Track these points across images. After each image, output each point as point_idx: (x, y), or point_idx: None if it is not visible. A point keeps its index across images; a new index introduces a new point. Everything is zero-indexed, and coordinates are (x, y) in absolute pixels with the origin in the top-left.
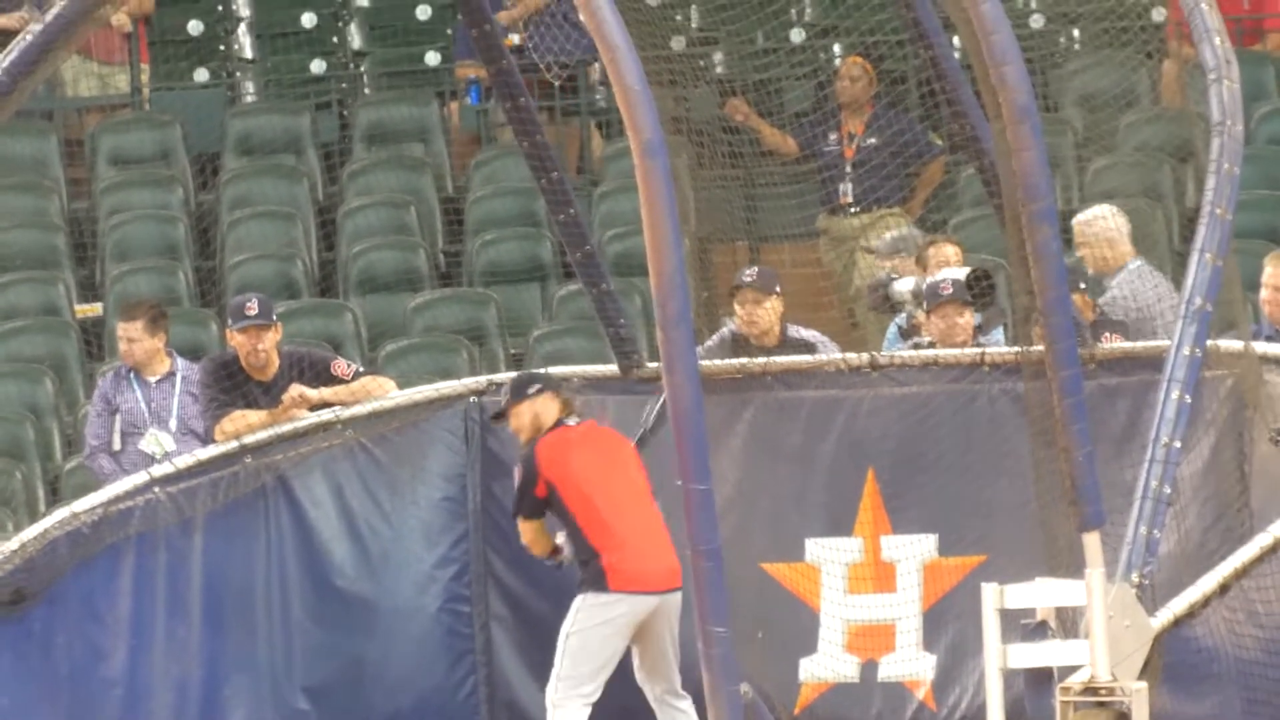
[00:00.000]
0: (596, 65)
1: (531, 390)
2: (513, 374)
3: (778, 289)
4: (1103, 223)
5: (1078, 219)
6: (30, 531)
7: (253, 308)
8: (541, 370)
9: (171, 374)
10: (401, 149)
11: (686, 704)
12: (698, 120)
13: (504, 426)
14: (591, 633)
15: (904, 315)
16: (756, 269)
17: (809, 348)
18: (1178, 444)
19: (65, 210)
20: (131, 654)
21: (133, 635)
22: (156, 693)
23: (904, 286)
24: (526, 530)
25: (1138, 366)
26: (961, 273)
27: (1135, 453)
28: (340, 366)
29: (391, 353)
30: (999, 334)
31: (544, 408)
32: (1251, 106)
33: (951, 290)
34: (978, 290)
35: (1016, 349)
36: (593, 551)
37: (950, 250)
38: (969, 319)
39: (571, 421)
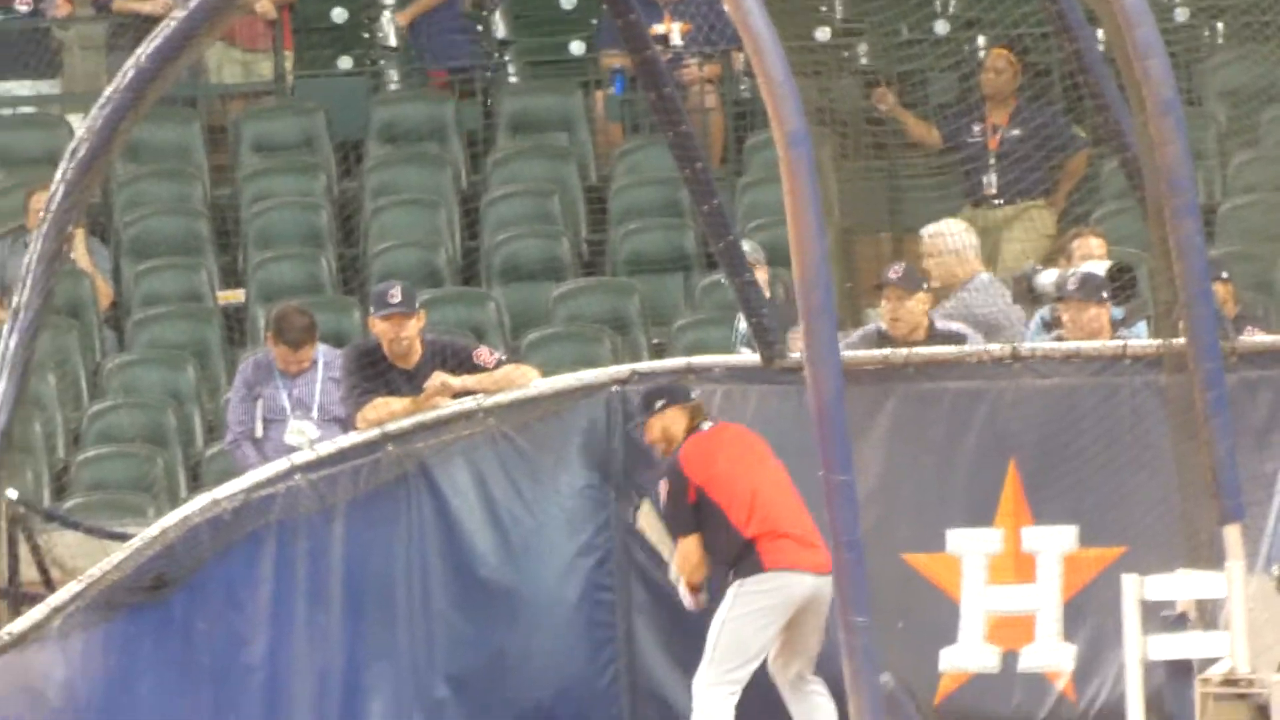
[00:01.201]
0: (740, 55)
1: (658, 405)
2: (653, 367)
3: (925, 285)
4: (951, 238)
5: (925, 231)
6: (171, 518)
7: (396, 295)
8: (667, 383)
9: (314, 362)
10: (545, 138)
11: (819, 685)
12: (842, 111)
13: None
14: (748, 619)
15: (1048, 307)
16: (903, 266)
17: (958, 339)
18: None
19: (208, 197)
20: (272, 641)
21: (273, 623)
22: (297, 680)
23: (1047, 279)
24: (689, 549)
25: (1279, 360)
26: (1098, 267)
27: (1276, 446)
28: (483, 355)
29: (534, 341)
30: (1142, 328)
31: (672, 420)
32: None
33: (1075, 286)
34: (1120, 284)
35: (1158, 342)
36: (746, 542)
37: (1094, 242)
38: (1098, 314)
39: (705, 426)
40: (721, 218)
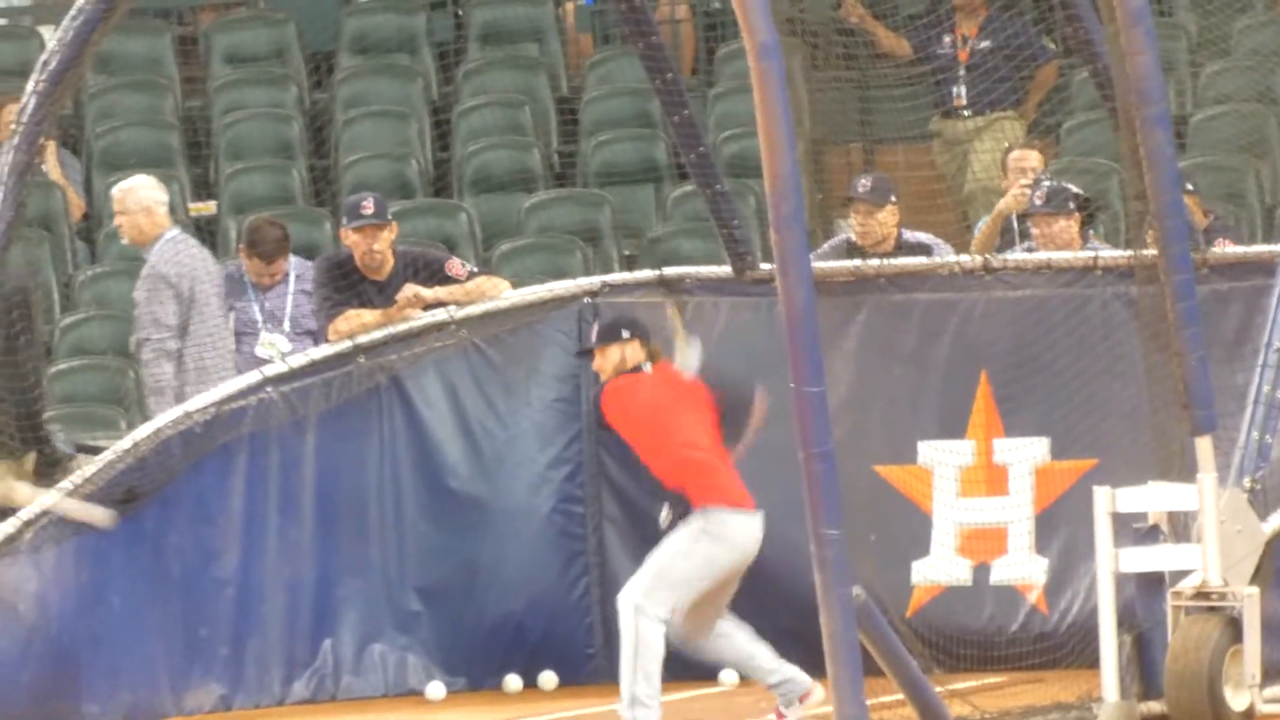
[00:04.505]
0: None
1: (625, 335)
2: (624, 279)
3: (893, 199)
4: (142, 192)
5: (117, 188)
6: (143, 430)
7: (368, 207)
8: (630, 314)
9: (285, 274)
10: (516, 49)
11: (727, 622)
12: (812, 22)
13: (588, 362)
14: (701, 546)
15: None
16: (871, 179)
17: (924, 250)
18: None
19: (179, 108)
20: (244, 555)
21: (245, 536)
22: (269, 594)
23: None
24: None
25: (1250, 271)
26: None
27: (1248, 357)
28: (454, 266)
29: (506, 253)
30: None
31: (633, 353)
32: None
33: (1042, 200)
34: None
35: (1129, 253)
36: (680, 498)
37: (1034, 155)
38: (1067, 225)
39: (648, 368)
40: (693, 128)
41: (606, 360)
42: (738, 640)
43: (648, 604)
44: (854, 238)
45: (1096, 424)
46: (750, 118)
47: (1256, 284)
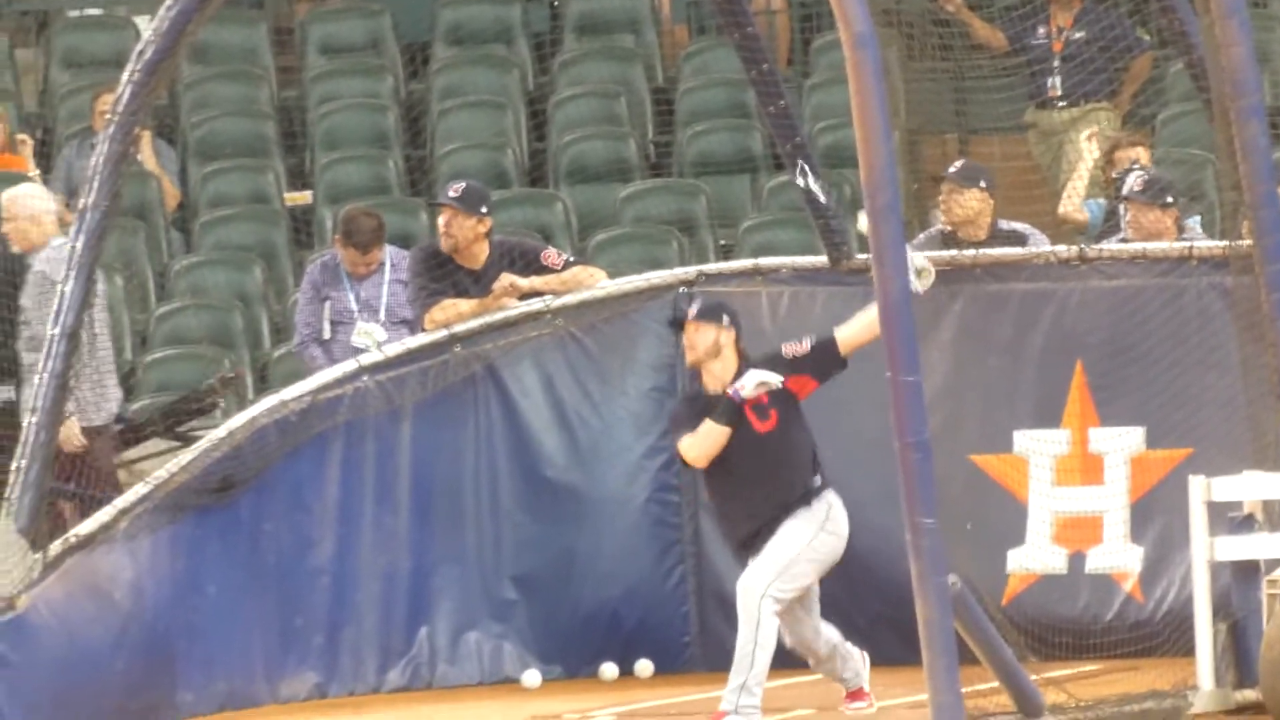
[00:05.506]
0: None
1: (725, 320)
2: (720, 268)
3: (982, 184)
4: (30, 201)
5: (6, 194)
6: (239, 419)
7: (457, 189)
8: (733, 306)
9: (381, 264)
10: (612, 39)
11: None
12: (908, 13)
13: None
14: (823, 539)
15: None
16: (963, 162)
17: (1019, 239)
18: None
19: (275, 99)
20: (339, 543)
21: (340, 524)
22: (364, 582)
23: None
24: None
25: None
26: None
27: None
28: (550, 256)
29: (601, 242)
30: (1194, 220)
31: (728, 342)
32: None
33: (1139, 188)
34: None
35: (1224, 243)
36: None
37: (1138, 150)
38: (1161, 216)
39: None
40: (788, 119)
41: (700, 338)
42: (831, 635)
43: (773, 593)
44: (948, 228)
45: (1192, 413)
46: (846, 108)
47: None
